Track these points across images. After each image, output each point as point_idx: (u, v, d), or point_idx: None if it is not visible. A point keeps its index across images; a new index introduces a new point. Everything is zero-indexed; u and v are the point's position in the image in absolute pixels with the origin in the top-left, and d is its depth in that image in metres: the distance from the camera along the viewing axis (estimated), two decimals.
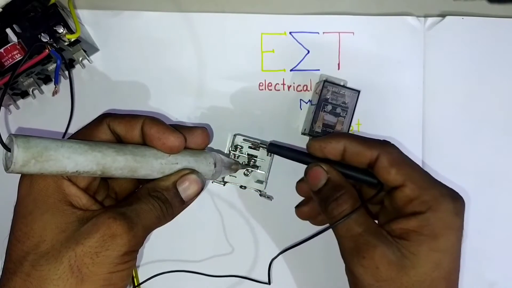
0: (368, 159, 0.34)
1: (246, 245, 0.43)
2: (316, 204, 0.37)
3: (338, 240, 0.34)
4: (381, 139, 0.36)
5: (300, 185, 0.41)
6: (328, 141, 0.36)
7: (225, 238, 0.43)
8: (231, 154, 0.41)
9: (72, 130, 0.39)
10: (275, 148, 0.38)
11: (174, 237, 0.43)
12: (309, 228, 0.40)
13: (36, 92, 0.41)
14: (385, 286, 0.31)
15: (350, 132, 0.42)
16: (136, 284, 0.42)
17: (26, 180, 0.31)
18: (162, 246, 0.43)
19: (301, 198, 0.41)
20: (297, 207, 0.41)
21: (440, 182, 0.34)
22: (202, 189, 0.35)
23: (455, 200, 0.33)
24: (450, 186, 0.34)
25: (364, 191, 0.39)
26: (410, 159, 0.35)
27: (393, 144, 0.35)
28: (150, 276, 0.42)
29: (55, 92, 0.40)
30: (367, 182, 0.35)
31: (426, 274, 0.31)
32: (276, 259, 0.39)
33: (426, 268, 0.31)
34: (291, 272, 0.43)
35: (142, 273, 0.42)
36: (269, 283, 0.40)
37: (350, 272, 0.34)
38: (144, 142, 0.33)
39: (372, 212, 0.38)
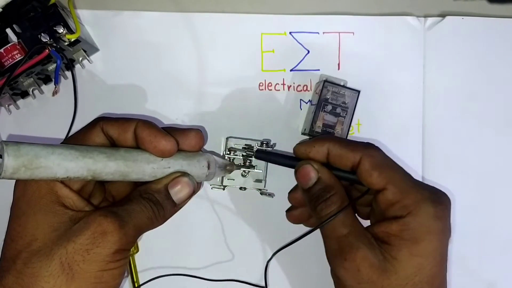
0: (351, 162, 0.34)
1: (246, 249, 0.43)
2: (306, 207, 0.37)
3: (324, 241, 0.34)
4: (365, 141, 0.35)
5: (292, 195, 0.40)
6: (312, 145, 0.36)
7: (224, 243, 0.43)
8: (226, 158, 0.41)
9: (73, 130, 0.39)
10: (262, 155, 0.39)
11: (174, 242, 0.43)
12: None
13: (36, 92, 0.41)
14: None
15: (350, 132, 0.42)
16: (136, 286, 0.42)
17: (21, 182, 0.32)
18: (161, 250, 0.43)
19: None
20: (287, 211, 0.41)
21: (423, 185, 0.34)
22: (194, 192, 0.35)
23: (436, 204, 0.32)
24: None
25: (354, 194, 0.38)
26: (393, 161, 0.34)
27: (376, 147, 0.35)
28: (146, 280, 0.42)
29: (55, 92, 0.40)
30: (357, 182, 0.35)
31: (407, 279, 0.31)
32: (273, 263, 0.39)
33: (407, 272, 0.31)
34: (288, 276, 0.43)
35: (140, 279, 0.42)
36: (266, 286, 0.40)
37: (333, 274, 0.34)
38: (137, 145, 0.34)
39: (364, 213, 0.38)
